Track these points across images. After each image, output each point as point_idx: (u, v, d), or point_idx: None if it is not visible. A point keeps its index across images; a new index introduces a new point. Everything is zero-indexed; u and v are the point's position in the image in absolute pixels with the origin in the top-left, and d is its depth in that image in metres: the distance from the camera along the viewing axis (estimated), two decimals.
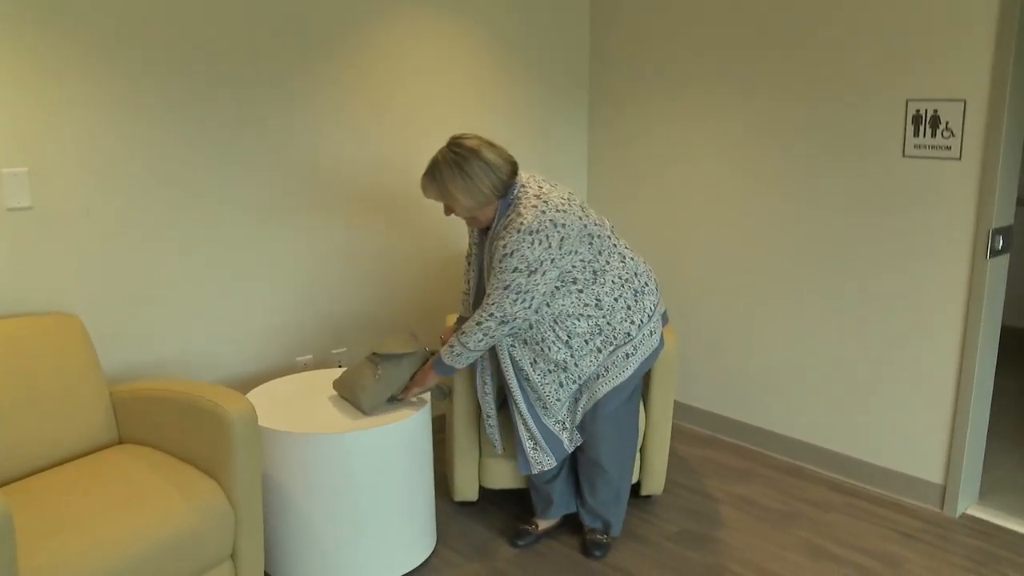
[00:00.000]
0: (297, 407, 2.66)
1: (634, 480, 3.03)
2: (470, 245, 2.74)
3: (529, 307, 2.44)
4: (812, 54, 3.14)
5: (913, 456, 3.12)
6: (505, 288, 2.41)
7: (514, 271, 2.39)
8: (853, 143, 3.08)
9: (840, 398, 3.29)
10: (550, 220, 2.39)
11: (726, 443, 3.67)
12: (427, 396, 2.74)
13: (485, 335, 2.49)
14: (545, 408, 2.64)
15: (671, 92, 3.65)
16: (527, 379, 2.61)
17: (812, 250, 3.27)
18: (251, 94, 2.95)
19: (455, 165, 2.39)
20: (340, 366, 3.37)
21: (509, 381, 2.63)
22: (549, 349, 2.55)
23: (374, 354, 2.72)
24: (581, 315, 2.53)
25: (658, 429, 2.97)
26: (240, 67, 2.90)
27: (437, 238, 3.61)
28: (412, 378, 2.65)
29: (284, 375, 3.24)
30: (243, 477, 2.28)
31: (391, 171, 3.40)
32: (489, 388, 2.73)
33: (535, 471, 2.68)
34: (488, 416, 2.76)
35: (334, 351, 3.38)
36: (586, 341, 2.55)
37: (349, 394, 2.65)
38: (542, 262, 2.39)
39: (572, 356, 2.56)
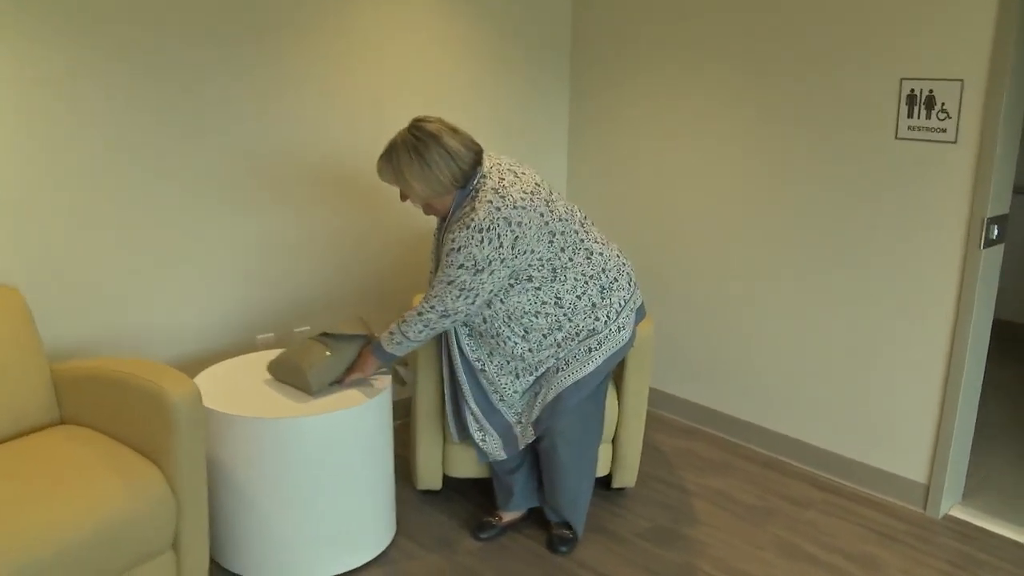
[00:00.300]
0: (251, 389, 2.54)
1: (605, 472, 2.92)
2: (436, 227, 2.61)
3: (472, 303, 2.33)
4: (802, 24, 2.99)
5: (897, 454, 3.00)
6: (449, 283, 2.31)
7: (460, 267, 2.27)
8: (843, 122, 2.94)
9: (823, 390, 3.17)
10: (504, 218, 2.24)
11: (706, 434, 3.55)
12: (387, 380, 2.61)
13: (426, 327, 2.39)
14: (502, 399, 2.52)
15: (656, 64, 3.49)
16: (483, 370, 2.49)
17: (798, 235, 3.14)
18: (208, 59, 2.80)
19: (413, 150, 2.25)
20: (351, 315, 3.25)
21: (456, 371, 2.53)
22: (505, 344, 2.44)
23: (324, 334, 2.60)
24: (539, 312, 2.41)
25: (631, 420, 2.85)
26: (193, 37, 2.75)
27: (404, 217, 3.47)
28: (362, 360, 2.53)
29: (243, 353, 3.11)
30: (185, 463, 2.15)
31: (357, 147, 3.25)
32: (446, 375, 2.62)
33: (489, 459, 2.58)
34: (448, 403, 2.64)
35: (297, 329, 3.25)
36: (544, 335, 2.43)
37: (291, 374, 2.51)
38: (490, 261, 2.26)
39: (530, 350, 2.45)
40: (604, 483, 3.08)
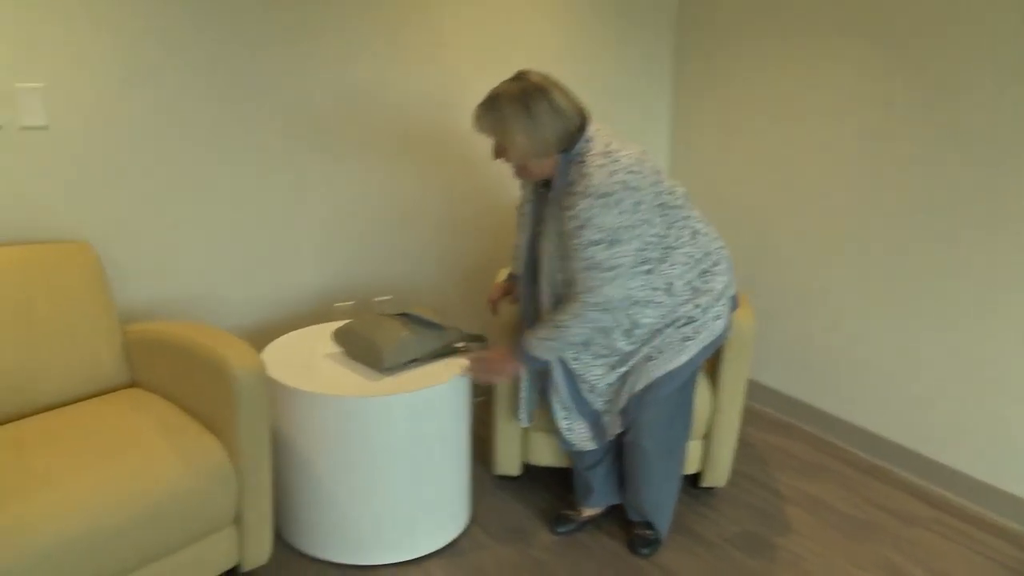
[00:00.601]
0: (323, 362, 2.42)
1: (694, 470, 2.71)
2: (522, 198, 2.43)
3: (622, 287, 2.09)
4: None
5: (1022, 472, 2.69)
6: (588, 269, 2.06)
7: (592, 245, 2.03)
8: (980, 112, 2.61)
9: (937, 393, 2.87)
10: (621, 181, 2.01)
11: (803, 432, 3.29)
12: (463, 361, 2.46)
13: (587, 324, 2.13)
14: (592, 389, 2.33)
15: (774, 31, 3.20)
16: (576, 358, 2.32)
17: (920, 231, 2.83)
18: (292, 16, 2.66)
19: (519, 101, 2.03)
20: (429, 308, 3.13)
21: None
22: (608, 336, 2.24)
23: (405, 314, 2.46)
24: (650, 302, 2.20)
25: (726, 416, 2.63)
26: None
27: (493, 186, 3.29)
28: (470, 359, 2.37)
29: (321, 321, 3.01)
30: (247, 438, 2.05)
31: (449, 110, 3.08)
32: None
33: (574, 448, 2.40)
34: (525, 387, 2.48)
35: (377, 299, 3.13)
36: (651, 332, 2.24)
37: (363, 349, 2.38)
38: (618, 230, 2.02)
39: (632, 343, 2.26)
40: (692, 481, 2.87)
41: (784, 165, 3.24)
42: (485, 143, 3.20)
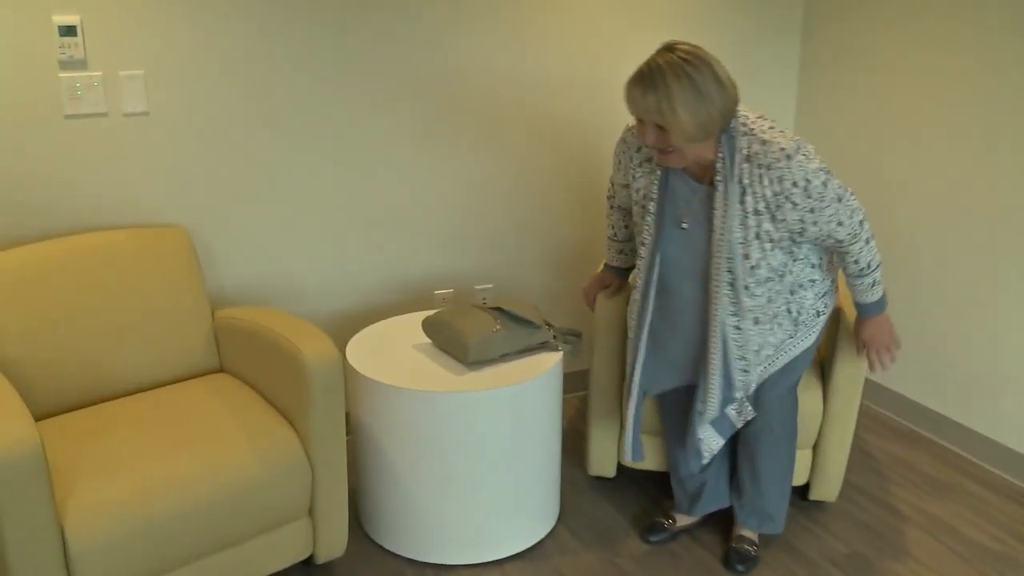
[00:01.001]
0: (409, 353, 2.37)
1: (802, 481, 2.51)
2: (614, 186, 2.28)
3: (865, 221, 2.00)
4: None
5: None
6: (837, 212, 1.92)
7: (824, 189, 1.88)
8: None
9: None
10: (798, 139, 1.89)
11: (930, 443, 3.00)
12: (554, 357, 2.35)
13: (876, 254, 2.06)
14: (731, 386, 2.14)
15: (916, 7, 2.89)
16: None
17: None
18: (400, 10, 2.61)
19: (684, 75, 1.78)
20: (484, 301, 3.06)
21: (712, 362, 2.08)
22: (772, 329, 2.07)
23: (498, 308, 2.38)
24: (813, 281, 2.07)
25: (838, 423, 2.41)
26: None
27: (603, 175, 3.15)
28: (865, 332, 2.19)
29: (423, 308, 2.97)
30: (321, 429, 2.02)
31: (561, 95, 2.95)
32: (638, 384, 2.20)
33: (705, 460, 2.21)
34: (633, 414, 2.24)
35: (478, 286, 3.06)
36: (813, 321, 2.11)
37: (450, 341, 2.30)
38: (830, 175, 1.90)
39: (791, 336, 2.10)
40: (800, 493, 2.66)
41: (919, 154, 2.94)
42: (598, 129, 3.06)
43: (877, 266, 2.07)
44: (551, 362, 2.31)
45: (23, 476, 1.63)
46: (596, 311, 2.47)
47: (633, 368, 2.20)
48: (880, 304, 2.15)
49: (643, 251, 2.10)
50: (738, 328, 2.03)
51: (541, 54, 2.88)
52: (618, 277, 2.48)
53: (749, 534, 2.38)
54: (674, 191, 2.03)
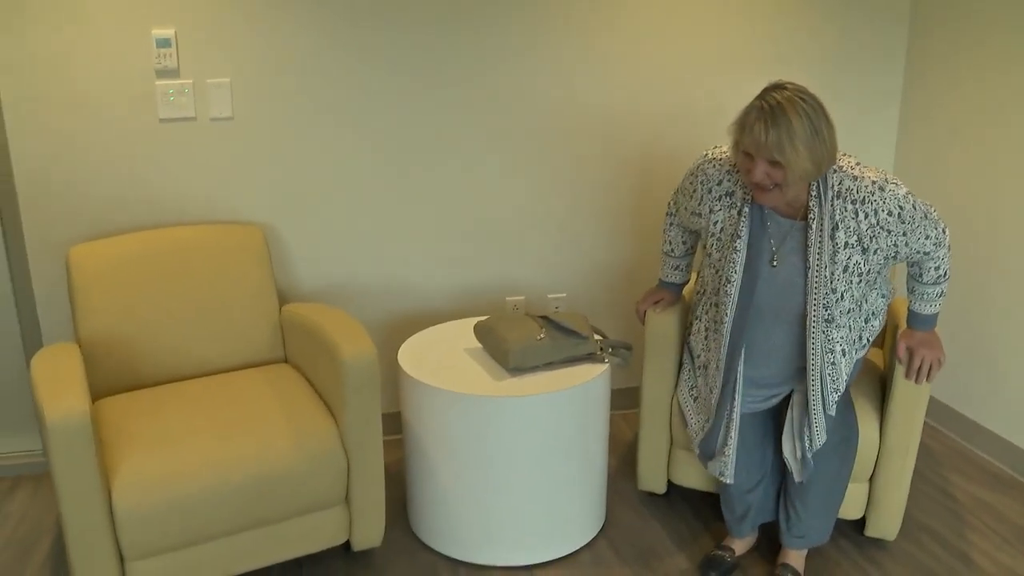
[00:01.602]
0: (458, 356, 2.43)
1: (858, 515, 2.39)
2: (678, 207, 2.30)
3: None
4: None
5: None
6: (927, 237, 2.01)
7: (919, 222, 1.98)
8: None
9: None
10: (883, 171, 2.01)
11: (1023, 488, 2.77)
12: (600, 368, 2.36)
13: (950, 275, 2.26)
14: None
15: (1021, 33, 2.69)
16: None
17: None
18: (478, 22, 2.69)
19: (804, 112, 1.83)
20: (557, 309, 3.09)
21: (813, 397, 2.09)
22: (853, 358, 2.14)
23: (545, 317, 2.41)
24: (882, 310, 2.16)
25: (898, 451, 2.28)
26: None
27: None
28: (913, 340, 2.17)
29: (494, 312, 3.04)
30: (356, 423, 2.12)
31: (646, 108, 2.95)
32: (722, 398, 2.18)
33: (807, 474, 2.17)
34: (723, 430, 2.20)
35: (551, 295, 3.09)
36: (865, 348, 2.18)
37: (495, 346, 2.35)
38: (914, 195, 1.99)
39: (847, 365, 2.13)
40: (858, 528, 2.53)
41: (1010, 177, 2.73)
42: (668, 158, 3.03)
43: (949, 277, 2.12)
44: (595, 373, 2.32)
45: (73, 442, 1.81)
46: (647, 325, 2.45)
47: (722, 392, 2.18)
48: (935, 320, 2.17)
49: (729, 288, 2.09)
50: (833, 364, 2.07)
51: (630, 82, 2.89)
52: (672, 293, 2.46)
53: (794, 562, 2.29)
54: (767, 228, 2.06)
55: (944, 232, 2.04)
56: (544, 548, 2.36)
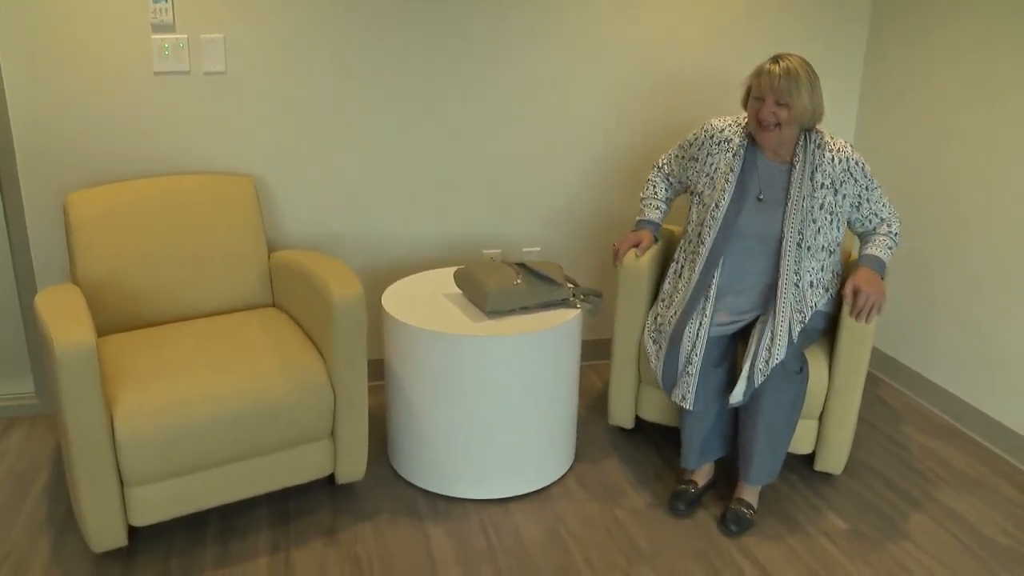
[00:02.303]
0: (442, 300, 2.58)
1: (809, 450, 2.58)
2: (672, 159, 2.66)
3: None
4: None
5: None
6: (883, 196, 2.49)
7: (876, 186, 2.47)
8: None
9: None
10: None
11: (967, 439, 2.97)
12: (578, 308, 2.53)
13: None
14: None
15: (976, 17, 2.85)
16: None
17: None
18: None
19: (811, 75, 2.35)
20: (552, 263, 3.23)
21: (781, 313, 2.37)
22: (818, 293, 2.46)
23: (522, 265, 2.56)
24: (840, 270, 2.54)
25: (844, 391, 2.48)
26: None
27: (657, 147, 3.25)
28: (860, 277, 2.40)
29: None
30: (343, 359, 2.27)
31: (621, 75, 3.08)
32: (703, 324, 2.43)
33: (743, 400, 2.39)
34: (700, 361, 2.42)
35: (525, 249, 3.24)
36: (828, 289, 2.50)
37: (474, 290, 2.51)
38: None
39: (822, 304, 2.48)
40: (807, 462, 2.72)
41: (978, 146, 2.90)
42: (651, 125, 3.17)
43: (897, 245, 2.53)
44: (567, 317, 2.47)
45: (79, 370, 1.94)
46: (623, 267, 2.61)
47: (688, 315, 2.44)
48: (882, 265, 2.45)
49: (716, 213, 2.44)
50: (797, 286, 2.40)
51: (617, 44, 3.02)
52: (652, 232, 2.67)
53: (748, 496, 2.47)
54: (758, 168, 2.44)
55: (897, 217, 2.50)
56: (516, 483, 2.52)
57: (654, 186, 2.71)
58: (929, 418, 3.11)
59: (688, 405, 2.42)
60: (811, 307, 2.43)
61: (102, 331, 2.47)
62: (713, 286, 2.43)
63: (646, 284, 2.60)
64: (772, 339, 2.34)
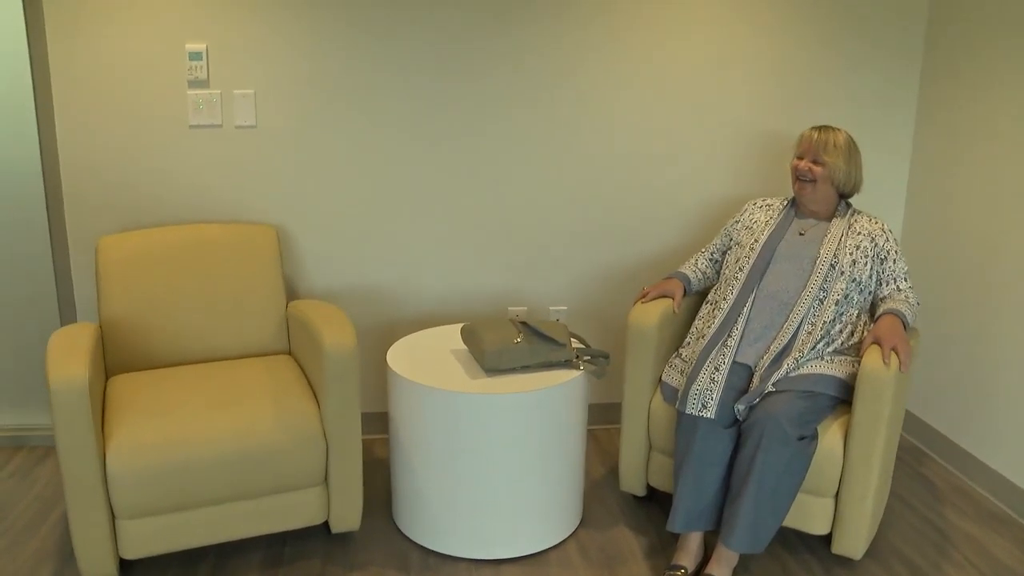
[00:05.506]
0: (447, 356, 2.58)
1: (826, 530, 2.41)
2: (719, 237, 2.79)
3: None
4: None
5: None
6: (906, 274, 2.58)
7: (901, 255, 2.57)
8: None
9: None
10: None
11: (1019, 528, 2.73)
12: (581, 369, 2.48)
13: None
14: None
15: None
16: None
17: None
18: (497, 40, 2.86)
19: (849, 139, 2.56)
20: (558, 320, 3.20)
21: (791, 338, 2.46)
22: (826, 344, 2.47)
23: (524, 323, 2.54)
24: (861, 337, 2.53)
25: (861, 464, 2.30)
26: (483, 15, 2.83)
27: (685, 222, 3.19)
28: (882, 327, 2.39)
29: None
30: (334, 408, 2.29)
31: (652, 136, 3.06)
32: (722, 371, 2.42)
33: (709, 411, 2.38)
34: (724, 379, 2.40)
35: (552, 307, 3.22)
36: (846, 359, 2.50)
37: (475, 346, 2.49)
38: None
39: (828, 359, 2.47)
40: (826, 544, 2.55)
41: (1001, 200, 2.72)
42: (679, 194, 3.13)
43: (915, 309, 2.53)
44: (565, 378, 2.43)
45: (71, 403, 2.03)
46: (629, 323, 2.55)
47: (712, 346, 2.47)
48: (903, 318, 2.45)
49: (756, 245, 2.59)
50: (812, 324, 2.45)
51: (653, 107, 3.01)
52: (684, 286, 2.72)
53: (719, 572, 2.30)
54: (794, 226, 2.61)
55: (916, 295, 2.60)
56: (511, 545, 2.46)
57: (696, 258, 2.83)
58: (979, 503, 2.88)
59: (710, 413, 2.32)
60: (831, 333, 2.45)
61: (119, 369, 2.58)
62: (746, 313, 2.50)
63: (653, 343, 2.53)
64: (785, 348, 2.41)
